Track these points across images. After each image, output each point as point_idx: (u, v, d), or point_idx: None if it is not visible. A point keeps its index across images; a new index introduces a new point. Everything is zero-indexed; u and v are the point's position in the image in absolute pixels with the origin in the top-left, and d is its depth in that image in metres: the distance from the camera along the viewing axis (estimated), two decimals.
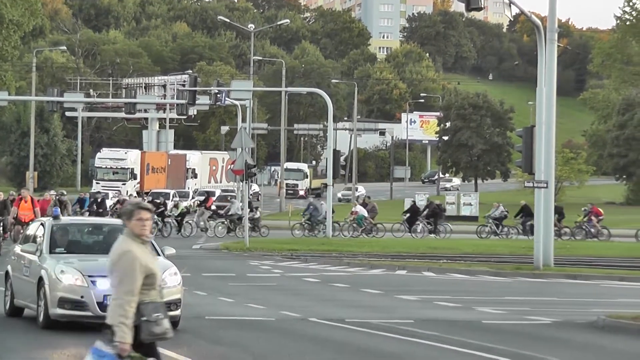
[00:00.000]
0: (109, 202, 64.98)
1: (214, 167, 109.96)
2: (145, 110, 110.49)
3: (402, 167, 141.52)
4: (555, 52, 40.02)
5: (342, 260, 43.78)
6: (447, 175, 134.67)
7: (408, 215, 64.10)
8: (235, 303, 25.85)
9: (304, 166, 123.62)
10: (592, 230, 62.53)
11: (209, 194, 72.57)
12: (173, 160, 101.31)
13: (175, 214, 60.77)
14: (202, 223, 60.39)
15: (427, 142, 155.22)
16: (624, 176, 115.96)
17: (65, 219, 23.01)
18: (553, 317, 24.52)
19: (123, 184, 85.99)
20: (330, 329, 21.55)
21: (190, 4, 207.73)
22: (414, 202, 67.71)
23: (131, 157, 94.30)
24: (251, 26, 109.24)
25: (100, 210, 58.46)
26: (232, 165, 56.90)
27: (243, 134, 53.24)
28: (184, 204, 63.13)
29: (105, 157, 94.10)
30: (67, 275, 18.98)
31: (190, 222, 59.76)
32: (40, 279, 19.31)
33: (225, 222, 59.36)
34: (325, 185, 76.56)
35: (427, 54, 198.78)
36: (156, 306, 10.07)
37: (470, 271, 39.60)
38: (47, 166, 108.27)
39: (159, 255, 20.57)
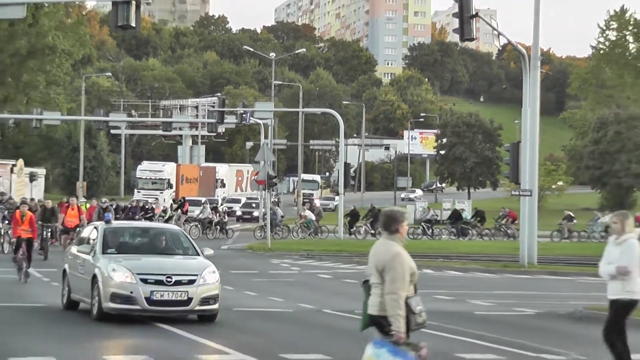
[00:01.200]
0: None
1: (239, 178, 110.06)
2: (180, 128, 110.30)
3: (405, 178, 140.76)
4: (538, 77, 39.97)
5: (352, 259, 43.78)
6: (443, 184, 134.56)
7: (349, 218, 64.12)
8: (258, 296, 25.87)
9: (318, 177, 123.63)
10: (509, 231, 62.77)
11: (184, 200, 72.55)
12: (204, 172, 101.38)
13: (165, 218, 60.81)
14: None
15: (426, 155, 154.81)
16: (599, 185, 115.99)
17: (115, 223, 22.87)
18: (536, 308, 24.53)
19: (161, 193, 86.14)
20: (341, 320, 21.54)
21: (219, 35, 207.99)
22: (354, 207, 67.75)
23: (168, 169, 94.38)
24: (272, 54, 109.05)
25: (149, 215, 58.39)
26: (255, 176, 56.90)
27: (265, 148, 53.27)
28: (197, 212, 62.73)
29: (145, 169, 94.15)
30: (118, 273, 18.93)
31: None
32: (94, 277, 19.27)
33: (198, 225, 59.23)
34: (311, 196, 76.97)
35: (426, 79, 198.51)
36: (417, 300, 10.32)
37: (463, 269, 39.66)
38: (95, 177, 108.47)
39: (198, 255, 20.66)
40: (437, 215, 66.44)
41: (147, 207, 61.25)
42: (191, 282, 19.07)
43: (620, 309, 13.05)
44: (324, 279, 33.46)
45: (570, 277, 35.90)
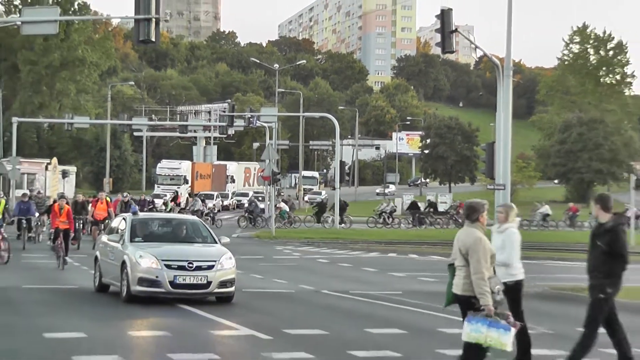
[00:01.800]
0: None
1: (247, 174, 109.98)
2: (195, 131, 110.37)
3: (393, 174, 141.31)
4: (510, 85, 39.95)
5: (346, 246, 43.95)
6: (427, 180, 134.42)
7: (317, 209, 64.04)
8: (264, 279, 25.94)
9: (316, 174, 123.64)
10: (460, 220, 62.66)
11: (177, 193, 72.53)
12: (216, 169, 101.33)
13: (166, 210, 60.82)
14: None
15: (412, 154, 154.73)
16: (564, 180, 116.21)
17: (142, 215, 22.88)
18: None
19: (178, 188, 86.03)
20: (338, 299, 21.61)
21: (229, 48, 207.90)
22: (323, 199, 67.65)
23: (184, 167, 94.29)
24: (276, 66, 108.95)
25: (150, 207, 58.15)
26: (261, 173, 56.96)
27: (270, 148, 53.33)
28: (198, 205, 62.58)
29: (164, 167, 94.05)
30: (145, 259, 18.94)
31: None
32: (123, 262, 19.28)
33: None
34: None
35: (412, 87, 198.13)
36: (496, 280, 10.63)
37: (445, 254, 39.55)
38: (119, 174, 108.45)
39: (216, 243, 20.69)
40: (395, 207, 66.39)
41: (147, 200, 61.31)
42: (210, 267, 19.09)
43: (509, 291, 12.89)
44: (322, 263, 33.53)
45: (537, 261, 35.91)
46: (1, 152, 58.89)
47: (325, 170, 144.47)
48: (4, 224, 30.66)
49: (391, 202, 67.89)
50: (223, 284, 19.20)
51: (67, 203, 30.45)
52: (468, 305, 10.65)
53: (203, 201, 63.84)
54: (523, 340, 12.51)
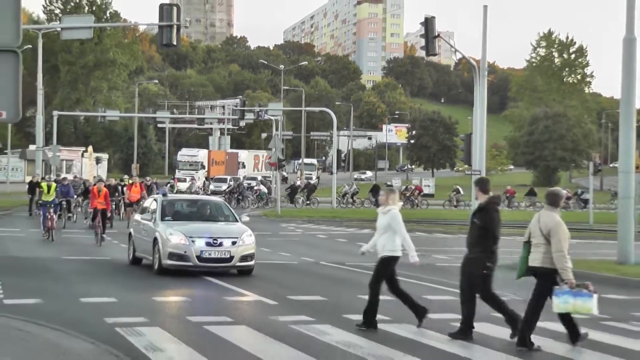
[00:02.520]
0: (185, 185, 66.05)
1: (256, 161, 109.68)
2: (211, 123, 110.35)
3: (383, 161, 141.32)
4: (485, 83, 39.91)
5: (342, 223, 43.87)
6: (413, 166, 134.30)
7: (290, 191, 63.51)
8: (271, 252, 25.92)
9: (315, 161, 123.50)
10: (415, 201, 62.34)
11: (174, 177, 72.00)
12: (229, 157, 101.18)
13: (174, 191, 60.49)
14: None
15: (399, 144, 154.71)
16: (532, 167, 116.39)
17: (170, 196, 22.42)
18: None
19: (196, 172, 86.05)
20: (335, 270, 21.64)
21: (241, 51, 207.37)
22: (294, 183, 66.91)
23: (201, 154, 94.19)
24: (281, 66, 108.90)
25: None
26: (269, 160, 56.88)
27: (276, 138, 53.33)
28: (196, 184, 60.93)
29: (184, 154, 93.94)
30: (174, 236, 18.71)
31: None
32: (155, 239, 19.11)
33: None
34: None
35: (400, 85, 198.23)
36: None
37: (429, 231, 39.78)
38: (145, 160, 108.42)
39: (237, 221, 20.59)
40: (358, 189, 65.49)
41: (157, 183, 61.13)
42: (233, 243, 18.94)
43: (383, 264, 12.72)
44: (321, 239, 33.53)
45: (508, 237, 35.75)
46: (44, 141, 58.83)
47: (324, 158, 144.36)
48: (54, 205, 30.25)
49: (354, 185, 67.07)
50: (244, 258, 18.99)
51: (105, 186, 30.29)
52: (545, 276, 11.03)
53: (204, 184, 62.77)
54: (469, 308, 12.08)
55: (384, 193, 13.41)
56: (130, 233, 21.81)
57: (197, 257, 18.48)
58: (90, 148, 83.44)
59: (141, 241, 20.61)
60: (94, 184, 30.95)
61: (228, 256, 18.86)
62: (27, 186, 44.76)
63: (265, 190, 62.40)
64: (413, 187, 66.34)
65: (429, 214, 52.93)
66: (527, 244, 11.32)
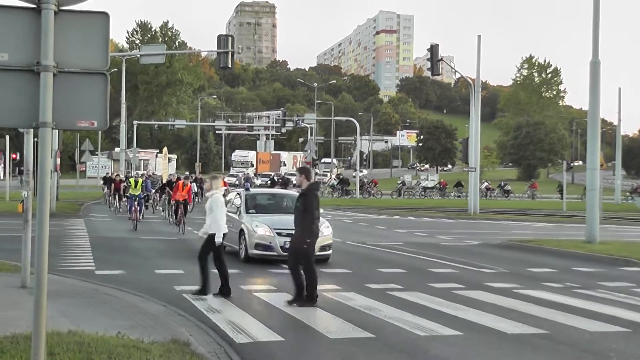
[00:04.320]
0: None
1: (295, 160, 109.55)
2: (258, 130, 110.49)
3: (397, 160, 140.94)
4: (479, 97, 39.74)
5: (366, 210, 43.76)
6: (421, 164, 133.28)
7: (270, 183, 61.22)
8: None
9: (335, 160, 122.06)
10: (372, 192, 60.08)
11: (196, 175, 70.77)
12: (273, 157, 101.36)
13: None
14: None
15: (410, 146, 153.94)
16: (517, 165, 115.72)
17: (252, 190, 20.64)
18: (478, 240, 24.50)
19: (247, 169, 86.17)
20: (358, 248, 21.56)
21: (282, 72, 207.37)
22: (274, 177, 64.24)
23: (251, 155, 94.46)
24: (315, 84, 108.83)
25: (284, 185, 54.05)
26: (305, 159, 56.80)
27: (310, 142, 53.43)
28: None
29: (237, 155, 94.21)
30: (260, 228, 17.00)
31: None
32: (241, 230, 17.52)
33: None
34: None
35: (410, 99, 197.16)
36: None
37: (434, 216, 39.56)
38: (206, 160, 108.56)
39: None
40: (336, 181, 63.42)
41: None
42: None
43: (210, 240, 12.04)
44: (347, 223, 33.38)
45: (500, 222, 35.75)
46: (126, 145, 59.21)
47: (349, 158, 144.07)
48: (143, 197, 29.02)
49: (337, 178, 64.75)
50: (323, 248, 17.15)
51: (191, 182, 28.83)
52: None
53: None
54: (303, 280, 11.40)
55: (208, 180, 12.56)
56: None
57: (281, 247, 16.65)
58: (165, 149, 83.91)
59: (229, 233, 19.20)
60: (179, 179, 29.05)
61: None
62: (102, 180, 42.98)
63: (257, 182, 60.79)
64: (370, 180, 64.83)
65: (431, 203, 52.64)
66: None
